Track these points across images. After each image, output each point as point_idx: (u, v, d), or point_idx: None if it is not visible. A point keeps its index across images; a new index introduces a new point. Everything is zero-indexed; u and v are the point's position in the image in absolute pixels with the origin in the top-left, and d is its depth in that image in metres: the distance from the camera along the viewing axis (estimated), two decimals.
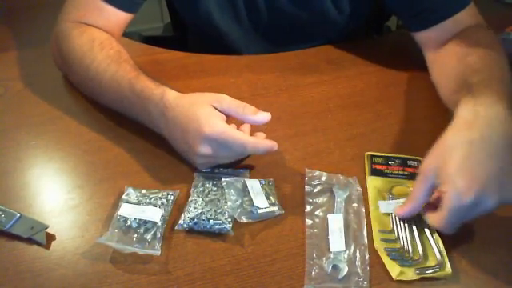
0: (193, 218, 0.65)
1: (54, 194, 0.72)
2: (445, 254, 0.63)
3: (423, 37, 0.87)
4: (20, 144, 0.78)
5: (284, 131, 0.80)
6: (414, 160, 0.75)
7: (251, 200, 0.68)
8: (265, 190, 0.69)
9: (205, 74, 0.91)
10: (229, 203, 0.67)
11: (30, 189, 0.72)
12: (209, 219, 0.65)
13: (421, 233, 0.66)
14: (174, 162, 0.74)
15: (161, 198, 0.68)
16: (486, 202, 0.59)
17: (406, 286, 0.61)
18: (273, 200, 0.69)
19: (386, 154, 0.76)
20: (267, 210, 0.67)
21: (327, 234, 0.65)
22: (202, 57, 0.96)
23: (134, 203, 0.67)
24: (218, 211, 0.66)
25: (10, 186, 0.72)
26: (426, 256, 0.63)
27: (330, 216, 0.67)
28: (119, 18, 0.87)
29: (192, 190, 0.69)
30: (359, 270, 0.62)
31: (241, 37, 1.00)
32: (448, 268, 0.61)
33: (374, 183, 0.72)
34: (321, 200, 0.69)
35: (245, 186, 0.69)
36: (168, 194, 0.69)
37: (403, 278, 0.61)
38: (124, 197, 0.69)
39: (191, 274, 0.62)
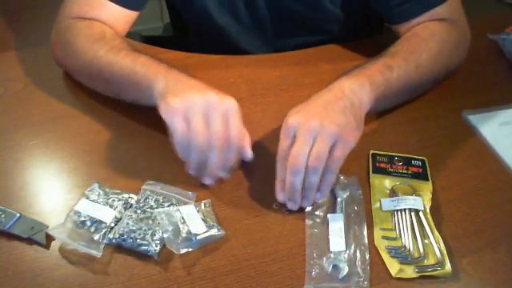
0: (122, 234, 0.64)
1: (53, 194, 0.72)
2: (445, 252, 0.63)
3: (401, 30, 0.88)
4: (20, 144, 0.78)
5: None
6: (418, 160, 0.75)
7: (188, 227, 0.65)
8: (201, 213, 0.67)
9: (205, 74, 0.91)
10: (165, 235, 0.64)
11: (29, 189, 0.72)
12: (136, 239, 0.63)
13: (422, 231, 0.66)
14: (174, 162, 0.74)
15: (120, 200, 0.68)
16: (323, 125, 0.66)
17: (406, 285, 0.61)
18: (211, 222, 0.66)
19: (390, 153, 0.76)
20: (206, 234, 0.64)
21: (327, 234, 0.65)
22: (202, 57, 0.96)
23: (92, 200, 0.67)
24: (149, 231, 0.64)
25: (9, 186, 0.72)
26: (426, 254, 0.63)
27: (330, 216, 0.67)
28: (122, 15, 0.86)
29: (134, 203, 0.68)
30: (359, 269, 0.61)
31: (238, 30, 1.00)
32: (448, 267, 0.62)
33: (376, 181, 0.72)
34: (321, 200, 0.69)
35: (180, 214, 0.66)
36: (129, 197, 0.68)
37: (403, 275, 0.61)
38: (86, 192, 0.68)
39: (191, 274, 0.62)
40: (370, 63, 0.78)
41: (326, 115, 0.67)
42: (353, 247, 0.64)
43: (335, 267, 0.62)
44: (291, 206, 0.68)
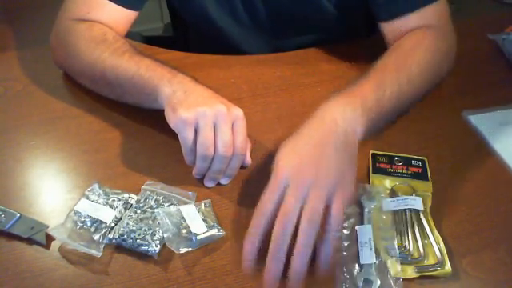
0: (122, 234, 0.64)
1: (53, 194, 0.72)
2: (445, 252, 0.63)
3: (388, 30, 0.87)
4: (20, 144, 0.78)
5: (284, 131, 0.79)
6: (418, 160, 0.75)
7: (188, 227, 0.65)
8: (201, 213, 0.67)
9: (205, 74, 0.91)
10: (165, 235, 0.64)
11: (30, 189, 0.72)
12: (136, 239, 0.63)
13: (422, 231, 0.66)
14: (174, 162, 0.74)
15: (120, 200, 0.68)
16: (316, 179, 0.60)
17: (406, 285, 0.61)
18: (211, 222, 0.66)
19: (391, 153, 0.76)
20: (206, 234, 0.64)
21: (357, 247, 0.64)
22: (202, 57, 0.96)
23: (92, 200, 0.67)
24: (149, 231, 0.64)
25: (9, 186, 0.72)
26: (426, 254, 0.63)
27: (358, 228, 0.66)
28: (122, 15, 0.86)
29: (135, 204, 0.68)
30: (391, 281, 0.60)
31: (238, 31, 1.00)
32: (448, 267, 0.62)
33: (376, 181, 0.72)
34: (348, 211, 0.67)
35: (180, 214, 0.66)
36: (129, 197, 0.68)
37: (403, 275, 0.61)
38: (86, 192, 0.68)
39: (191, 274, 0.62)
40: (362, 82, 0.74)
41: (321, 162, 0.62)
42: (383, 258, 0.62)
43: (366, 281, 0.60)
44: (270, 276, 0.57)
